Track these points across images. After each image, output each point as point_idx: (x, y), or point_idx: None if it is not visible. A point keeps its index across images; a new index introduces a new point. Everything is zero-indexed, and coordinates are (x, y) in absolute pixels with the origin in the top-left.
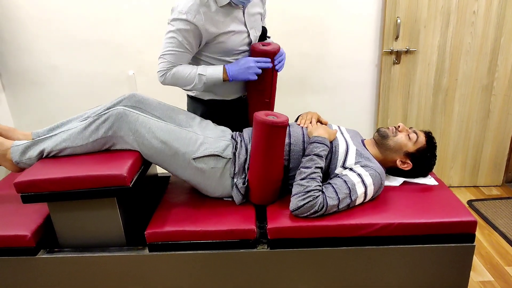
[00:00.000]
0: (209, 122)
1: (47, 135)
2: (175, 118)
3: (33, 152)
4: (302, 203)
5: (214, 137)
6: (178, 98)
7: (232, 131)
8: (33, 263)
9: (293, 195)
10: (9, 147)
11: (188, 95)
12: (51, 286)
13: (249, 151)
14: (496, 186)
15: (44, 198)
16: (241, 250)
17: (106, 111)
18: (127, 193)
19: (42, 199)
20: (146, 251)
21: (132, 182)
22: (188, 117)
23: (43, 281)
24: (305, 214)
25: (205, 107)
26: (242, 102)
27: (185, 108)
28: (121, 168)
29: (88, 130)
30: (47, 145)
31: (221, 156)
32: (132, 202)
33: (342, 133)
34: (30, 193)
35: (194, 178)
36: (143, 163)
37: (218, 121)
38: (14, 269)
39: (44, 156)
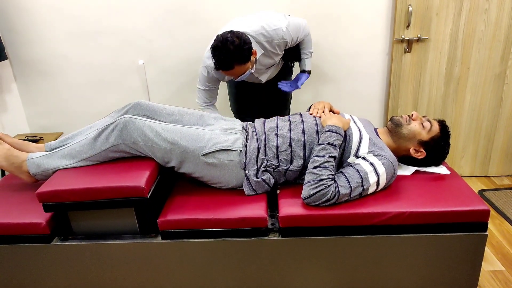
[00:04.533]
0: (218, 116)
1: (60, 148)
2: (182, 120)
3: (48, 165)
4: (314, 191)
5: (223, 131)
6: (187, 89)
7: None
8: (47, 250)
9: (306, 183)
10: (24, 160)
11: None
12: (65, 273)
13: (260, 142)
14: (508, 176)
15: (65, 208)
16: (253, 238)
17: (114, 121)
18: (145, 204)
19: (63, 209)
20: (159, 239)
21: (150, 193)
22: (195, 116)
23: (57, 268)
24: (317, 203)
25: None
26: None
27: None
28: (140, 180)
29: (99, 140)
30: (62, 158)
31: (231, 150)
32: (149, 209)
33: (355, 122)
34: (52, 202)
35: (207, 173)
36: (159, 173)
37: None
38: (29, 256)
39: (61, 168)
